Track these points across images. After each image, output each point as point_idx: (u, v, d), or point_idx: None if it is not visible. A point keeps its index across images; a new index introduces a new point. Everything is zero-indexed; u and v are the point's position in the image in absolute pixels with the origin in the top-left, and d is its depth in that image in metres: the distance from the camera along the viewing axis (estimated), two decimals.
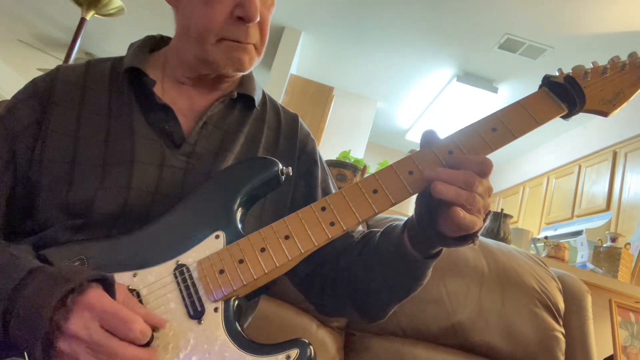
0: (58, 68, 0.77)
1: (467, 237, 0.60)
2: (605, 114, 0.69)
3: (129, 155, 0.69)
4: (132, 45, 0.80)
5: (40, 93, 0.73)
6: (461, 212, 0.56)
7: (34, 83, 0.75)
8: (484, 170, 0.58)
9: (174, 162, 0.72)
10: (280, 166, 0.69)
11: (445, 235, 0.60)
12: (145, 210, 0.68)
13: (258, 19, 0.71)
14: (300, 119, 0.88)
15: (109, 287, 0.54)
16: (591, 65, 0.70)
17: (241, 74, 0.78)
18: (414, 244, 0.65)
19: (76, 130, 0.71)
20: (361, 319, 0.78)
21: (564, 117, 0.69)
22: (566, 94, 0.67)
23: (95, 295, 0.52)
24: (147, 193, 0.68)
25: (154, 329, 0.56)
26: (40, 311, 0.49)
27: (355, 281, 0.73)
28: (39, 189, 0.68)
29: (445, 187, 0.57)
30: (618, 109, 0.69)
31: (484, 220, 0.59)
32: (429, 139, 0.64)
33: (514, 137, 0.64)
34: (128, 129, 0.72)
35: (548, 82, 0.69)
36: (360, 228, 0.84)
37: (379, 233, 0.74)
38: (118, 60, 0.80)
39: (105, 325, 0.51)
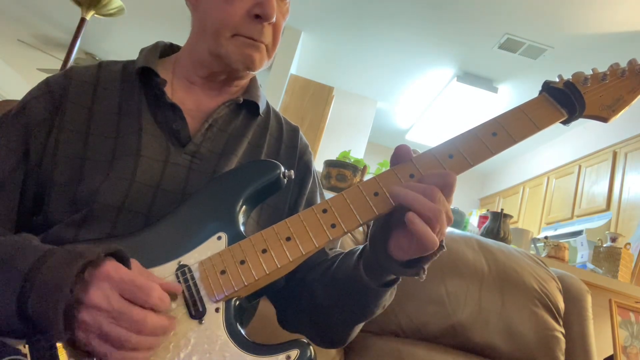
0: (71, 68, 0.79)
1: (415, 264, 0.60)
2: (604, 119, 0.69)
3: (135, 149, 0.71)
4: (142, 50, 0.83)
5: (54, 91, 0.74)
6: (418, 220, 0.55)
7: (47, 82, 0.76)
8: (448, 182, 0.57)
9: (178, 160, 0.73)
10: (282, 169, 0.70)
11: (393, 258, 0.60)
12: (146, 205, 0.69)
13: (274, 19, 0.74)
14: (300, 131, 0.91)
15: (124, 261, 0.55)
16: (591, 71, 0.71)
17: (250, 73, 0.80)
18: (367, 270, 0.65)
19: (87, 127, 0.73)
20: (319, 342, 0.77)
21: (564, 122, 0.69)
22: (566, 100, 0.67)
23: (112, 266, 0.53)
24: (149, 187, 0.70)
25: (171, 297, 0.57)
26: (60, 285, 0.49)
27: (315, 299, 0.73)
28: (52, 184, 0.69)
29: (410, 193, 0.57)
30: (618, 115, 0.69)
31: (439, 249, 0.58)
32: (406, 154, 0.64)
33: (515, 142, 0.64)
34: (136, 126, 0.73)
35: (548, 88, 0.69)
36: (361, 232, 0.84)
37: (343, 254, 0.73)
38: (129, 62, 0.82)
39: (124, 294, 0.52)
